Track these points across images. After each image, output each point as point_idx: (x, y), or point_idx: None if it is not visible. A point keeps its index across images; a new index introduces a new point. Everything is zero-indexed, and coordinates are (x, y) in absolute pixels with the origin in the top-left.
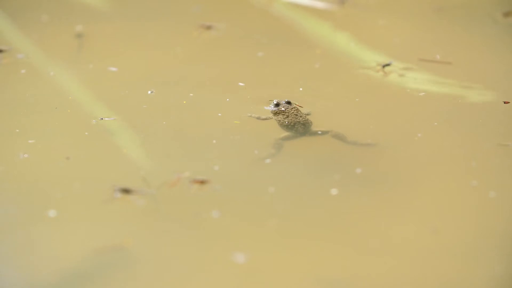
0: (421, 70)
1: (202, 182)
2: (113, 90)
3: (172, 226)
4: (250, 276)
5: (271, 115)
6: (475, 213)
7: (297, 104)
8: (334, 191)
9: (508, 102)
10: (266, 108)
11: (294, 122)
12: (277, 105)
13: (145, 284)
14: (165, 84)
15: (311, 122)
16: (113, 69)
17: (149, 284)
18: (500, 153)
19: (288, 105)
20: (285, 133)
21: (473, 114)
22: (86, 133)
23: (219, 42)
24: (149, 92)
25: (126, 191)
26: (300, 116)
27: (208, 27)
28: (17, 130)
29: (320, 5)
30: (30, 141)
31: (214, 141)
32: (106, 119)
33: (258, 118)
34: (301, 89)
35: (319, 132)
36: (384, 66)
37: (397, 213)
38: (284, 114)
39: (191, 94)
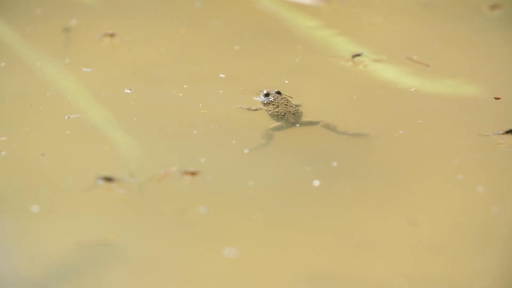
0: (406, 66)
1: (193, 173)
2: (94, 87)
3: (160, 220)
4: (238, 269)
5: (261, 105)
6: (459, 207)
7: (287, 94)
8: (321, 184)
9: (499, 98)
10: (255, 98)
11: (285, 112)
12: (266, 95)
13: (135, 276)
14: (150, 80)
15: (301, 112)
16: (87, 69)
17: (139, 276)
18: (484, 146)
19: (278, 95)
20: (275, 123)
21: (461, 111)
22: (67, 132)
23: (204, 37)
24: (128, 90)
25: (108, 179)
26: (290, 106)
27: (112, 35)
28: None
29: (307, 0)
30: (2, 138)
31: (195, 131)
32: (72, 116)
33: (249, 109)
34: (286, 81)
35: (297, 125)
36: (354, 56)
37: (384, 206)
38: (274, 104)
39: (185, 86)
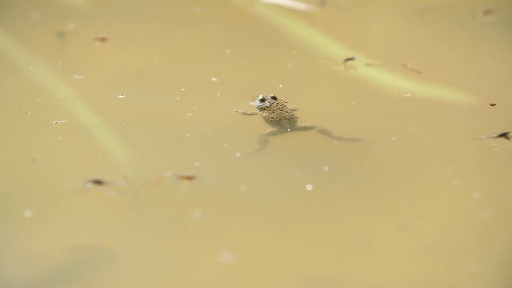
0: (400, 71)
1: (190, 178)
2: (86, 92)
3: (155, 224)
4: (233, 273)
5: (256, 110)
6: (453, 210)
7: (282, 99)
8: (316, 188)
9: (494, 104)
10: (251, 103)
11: (280, 117)
12: (262, 100)
13: (129, 281)
14: (143, 85)
15: (296, 117)
16: (78, 76)
17: (133, 281)
18: (478, 150)
19: (273, 100)
20: (270, 129)
21: (455, 117)
22: (60, 138)
23: (198, 42)
24: (120, 96)
25: (97, 182)
26: (286, 112)
27: (103, 39)
28: None
29: (301, 6)
30: None
31: (187, 135)
32: (59, 122)
33: (244, 113)
34: (280, 86)
35: (288, 130)
36: (346, 60)
37: (379, 211)
38: (269, 110)
39: (183, 89)
